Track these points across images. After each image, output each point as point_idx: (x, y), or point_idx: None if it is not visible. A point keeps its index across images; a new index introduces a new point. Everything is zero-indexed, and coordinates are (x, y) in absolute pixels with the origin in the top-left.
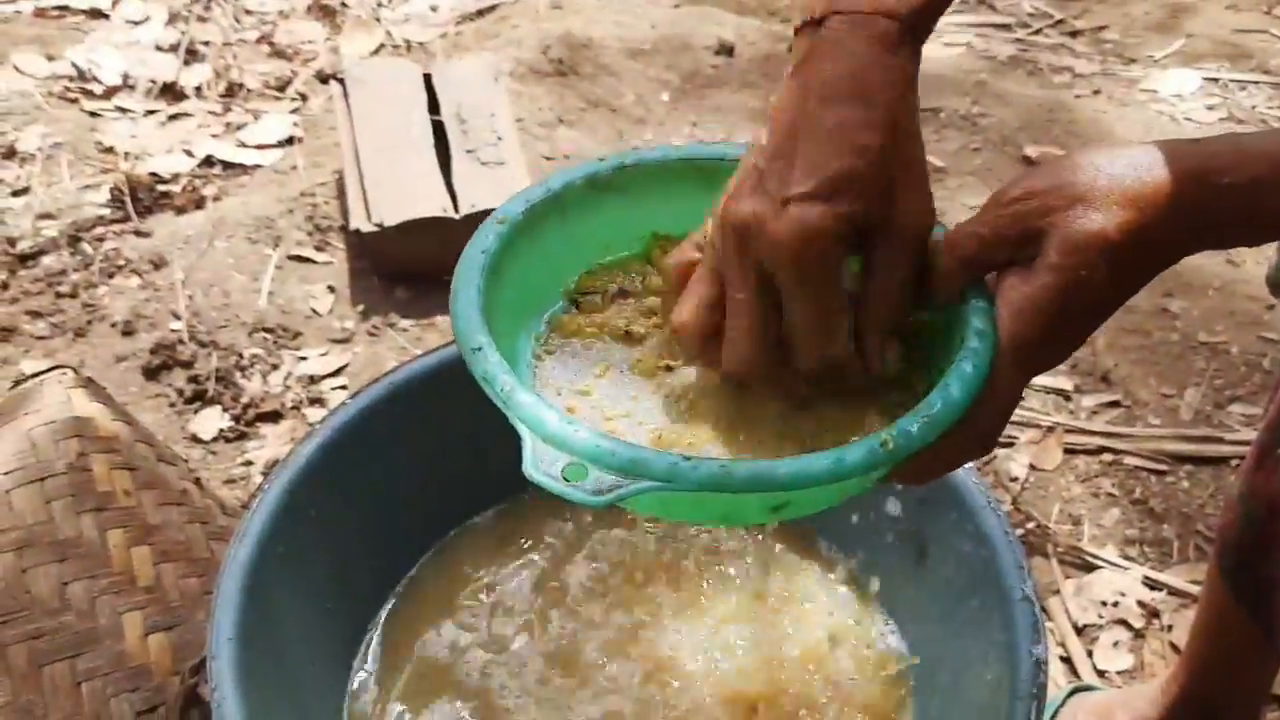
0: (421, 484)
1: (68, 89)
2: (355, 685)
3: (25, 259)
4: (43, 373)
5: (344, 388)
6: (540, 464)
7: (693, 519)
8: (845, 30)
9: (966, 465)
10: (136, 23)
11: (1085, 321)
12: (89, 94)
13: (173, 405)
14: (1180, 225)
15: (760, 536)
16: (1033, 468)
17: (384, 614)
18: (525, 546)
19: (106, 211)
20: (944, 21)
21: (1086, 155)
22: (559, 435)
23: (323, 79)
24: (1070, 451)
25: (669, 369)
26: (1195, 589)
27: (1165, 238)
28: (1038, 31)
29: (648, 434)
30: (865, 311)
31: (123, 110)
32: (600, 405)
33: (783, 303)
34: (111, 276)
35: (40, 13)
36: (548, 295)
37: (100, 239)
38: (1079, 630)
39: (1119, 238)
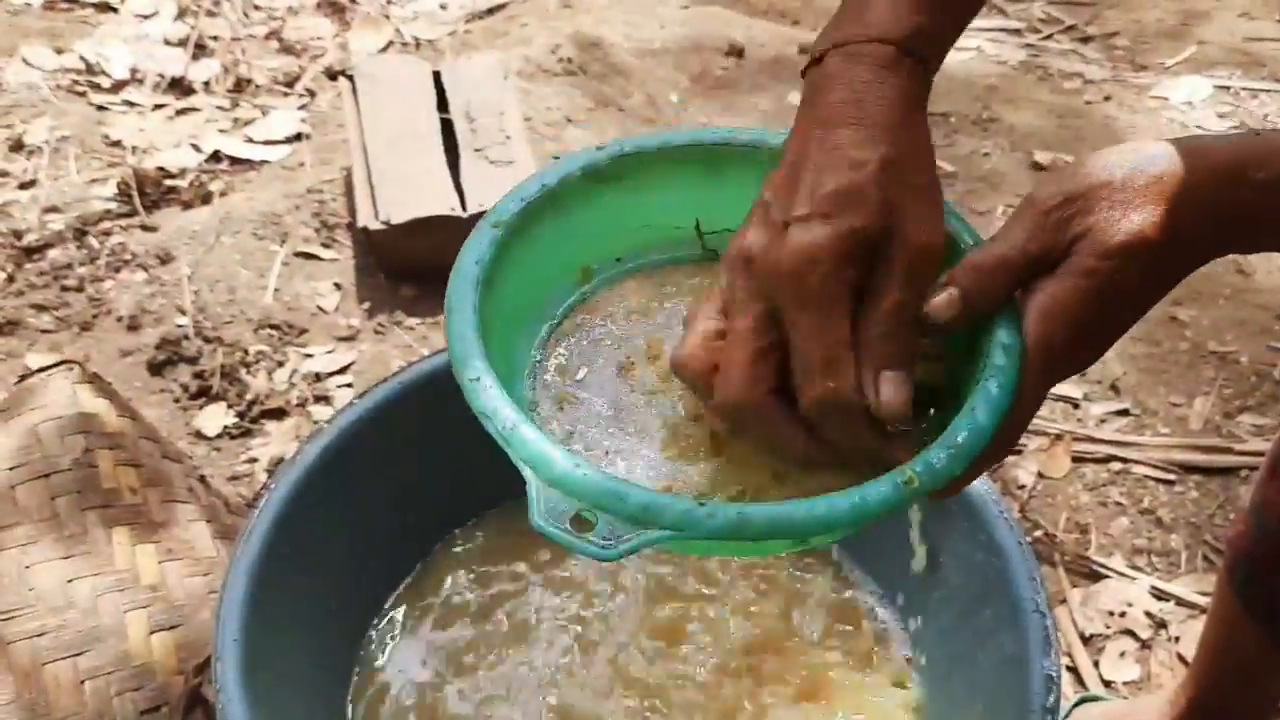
0: (428, 484)
1: (76, 82)
2: (360, 685)
3: (31, 252)
4: (48, 368)
5: (349, 386)
6: (549, 513)
7: (712, 554)
8: (844, 62)
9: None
10: (145, 16)
11: (1115, 325)
12: (97, 87)
13: (177, 401)
14: (1215, 224)
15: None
16: (1041, 476)
17: (389, 614)
18: (531, 547)
19: (113, 205)
20: None
21: (1117, 155)
22: (565, 479)
23: (331, 75)
24: (1078, 460)
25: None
26: (1203, 600)
27: (1200, 237)
28: (1049, 37)
29: (654, 453)
30: (860, 343)
31: (130, 104)
32: (599, 423)
33: (788, 336)
34: (118, 271)
35: (50, 5)
36: (545, 295)
37: (107, 233)
38: (1086, 640)
39: (1157, 237)
